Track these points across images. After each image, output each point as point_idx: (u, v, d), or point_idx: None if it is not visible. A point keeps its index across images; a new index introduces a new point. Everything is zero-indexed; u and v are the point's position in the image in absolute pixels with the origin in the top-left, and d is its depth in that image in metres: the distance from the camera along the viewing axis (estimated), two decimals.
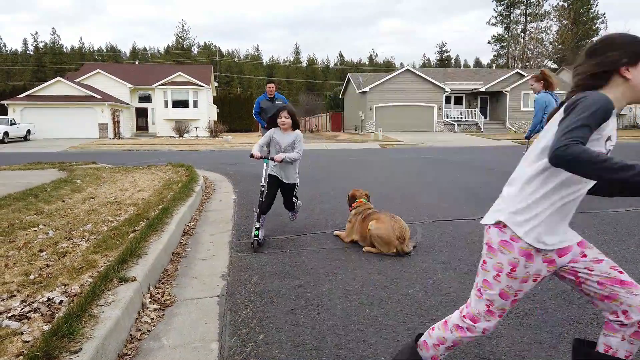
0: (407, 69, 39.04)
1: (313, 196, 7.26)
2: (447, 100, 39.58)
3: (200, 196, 7.20)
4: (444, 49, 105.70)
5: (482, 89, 39.00)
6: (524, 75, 38.73)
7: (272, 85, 8.93)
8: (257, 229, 4.34)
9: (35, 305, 2.60)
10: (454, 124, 38.57)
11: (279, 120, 4.65)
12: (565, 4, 67.99)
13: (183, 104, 39.93)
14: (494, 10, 75.91)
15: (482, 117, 39.45)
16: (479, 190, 7.64)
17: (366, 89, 36.88)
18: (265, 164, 4.68)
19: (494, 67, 68.65)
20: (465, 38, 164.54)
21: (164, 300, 3.12)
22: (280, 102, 8.92)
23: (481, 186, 8.16)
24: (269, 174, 4.71)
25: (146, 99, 41.87)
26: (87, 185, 7.60)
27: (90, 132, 33.98)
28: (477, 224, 5.15)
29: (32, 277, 3.14)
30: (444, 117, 38.28)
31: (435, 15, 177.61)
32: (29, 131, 30.99)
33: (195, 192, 6.81)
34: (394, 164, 13.27)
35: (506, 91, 37.86)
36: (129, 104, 40.15)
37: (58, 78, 36.13)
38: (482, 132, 37.41)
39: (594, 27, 68.42)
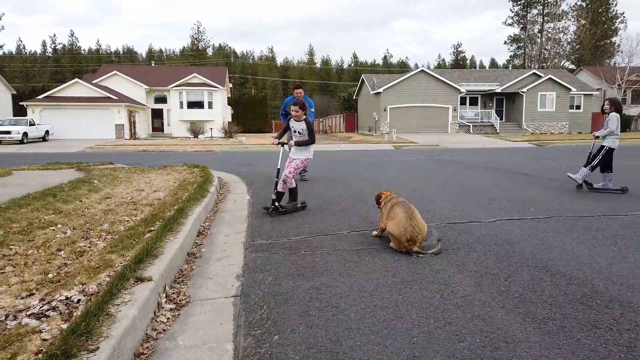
0: (422, 70, 38.77)
1: (327, 198, 7.25)
2: (463, 101, 39.22)
3: (215, 197, 7.25)
4: (459, 49, 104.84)
5: (498, 90, 38.56)
6: (540, 76, 38.21)
7: (300, 90, 8.77)
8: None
9: (53, 303, 2.64)
10: (469, 125, 38.22)
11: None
12: (584, 4, 66.98)
13: (198, 105, 40.33)
14: (510, 10, 75.16)
15: (498, 118, 39.02)
16: (494, 193, 7.56)
17: (380, 89, 36.74)
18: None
19: (510, 68, 67.92)
20: (481, 38, 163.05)
21: (180, 300, 3.15)
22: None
23: (496, 188, 8.07)
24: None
25: (162, 100, 42.38)
26: (104, 186, 7.70)
27: (107, 133, 34.47)
28: (492, 226, 5.09)
29: (50, 275, 3.19)
30: (459, 118, 37.95)
31: (451, 16, 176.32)
32: (47, 132, 31.58)
33: (210, 192, 6.85)
34: (407, 165, 13.20)
35: (522, 92, 37.39)
36: (145, 105, 40.64)
37: (76, 79, 36.71)
38: (497, 133, 37.01)
39: (612, 27, 67.27)
